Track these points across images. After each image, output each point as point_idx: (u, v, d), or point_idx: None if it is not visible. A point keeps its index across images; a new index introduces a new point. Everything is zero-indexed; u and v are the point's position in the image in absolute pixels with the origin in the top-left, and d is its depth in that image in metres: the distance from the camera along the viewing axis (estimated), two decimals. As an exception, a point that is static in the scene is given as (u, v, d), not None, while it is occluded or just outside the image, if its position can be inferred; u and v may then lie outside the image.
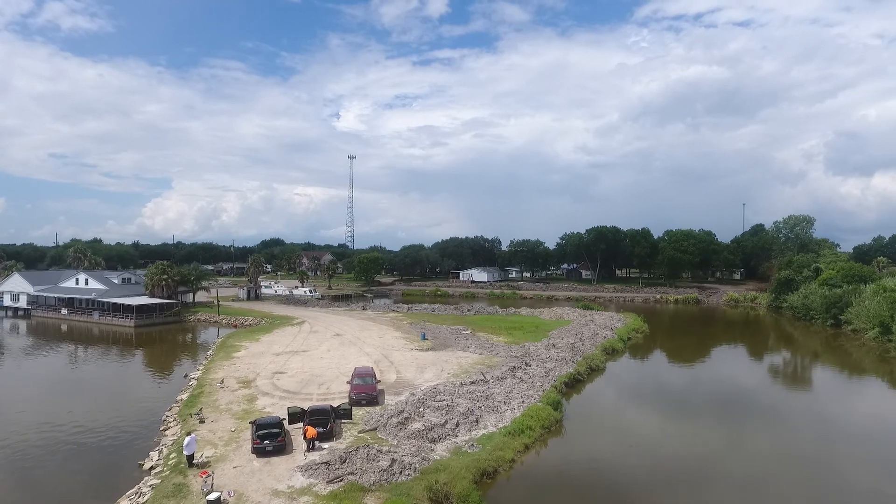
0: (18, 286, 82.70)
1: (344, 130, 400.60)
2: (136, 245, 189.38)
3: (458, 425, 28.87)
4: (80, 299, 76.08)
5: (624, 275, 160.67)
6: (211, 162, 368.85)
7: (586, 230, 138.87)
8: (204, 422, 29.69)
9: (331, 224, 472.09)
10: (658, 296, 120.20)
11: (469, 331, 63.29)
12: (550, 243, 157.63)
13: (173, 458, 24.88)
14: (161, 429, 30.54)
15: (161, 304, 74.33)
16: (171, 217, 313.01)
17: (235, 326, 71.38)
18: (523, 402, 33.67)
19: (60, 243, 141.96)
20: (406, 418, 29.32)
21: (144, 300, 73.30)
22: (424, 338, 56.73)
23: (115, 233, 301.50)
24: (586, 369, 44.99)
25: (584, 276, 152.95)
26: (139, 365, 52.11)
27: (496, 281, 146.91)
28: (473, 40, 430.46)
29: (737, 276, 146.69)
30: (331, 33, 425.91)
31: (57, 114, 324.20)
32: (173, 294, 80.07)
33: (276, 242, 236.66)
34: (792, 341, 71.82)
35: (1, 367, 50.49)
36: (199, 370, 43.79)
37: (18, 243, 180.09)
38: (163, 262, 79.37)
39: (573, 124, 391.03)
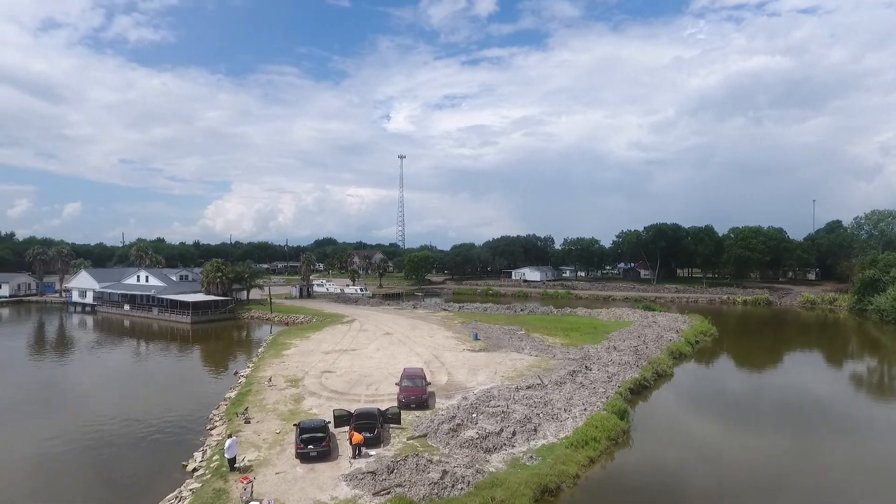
0: (85, 283, 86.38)
1: (394, 132, 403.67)
2: (196, 245, 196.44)
3: (514, 434, 26.53)
4: (141, 296, 78.40)
5: (685, 274, 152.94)
6: (267, 165, 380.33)
7: (644, 227, 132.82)
8: (249, 422, 28.63)
9: (382, 224, 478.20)
10: (724, 297, 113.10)
11: (523, 331, 60.62)
12: (604, 242, 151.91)
13: (216, 461, 23.78)
14: (207, 428, 29.73)
15: (216, 302, 75.55)
16: (230, 218, 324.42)
17: (287, 324, 71.47)
18: (585, 409, 30.93)
19: (127, 243, 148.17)
20: (458, 425, 27.23)
21: (200, 297, 74.66)
22: (476, 338, 54.54)
23: (179, 233, 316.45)
24: (652, 375, 41.52)
25: (642, 276, 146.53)
26: (193, 361, 52.43)
27: (549, 280, 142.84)
28: (522, 38, 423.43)
29: (811, 276, 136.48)
30: (380, 36, 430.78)
31: (126, 122, 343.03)
32: (228, 291, 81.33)
33: (329, 242, 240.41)
34: (879, 347, 65.00)
35: (64, 363, 51.95)
36: (249, 367, 43.29)
37: (92, 243, 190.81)
38: (217, 259, 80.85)
39: (626, 120, 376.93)
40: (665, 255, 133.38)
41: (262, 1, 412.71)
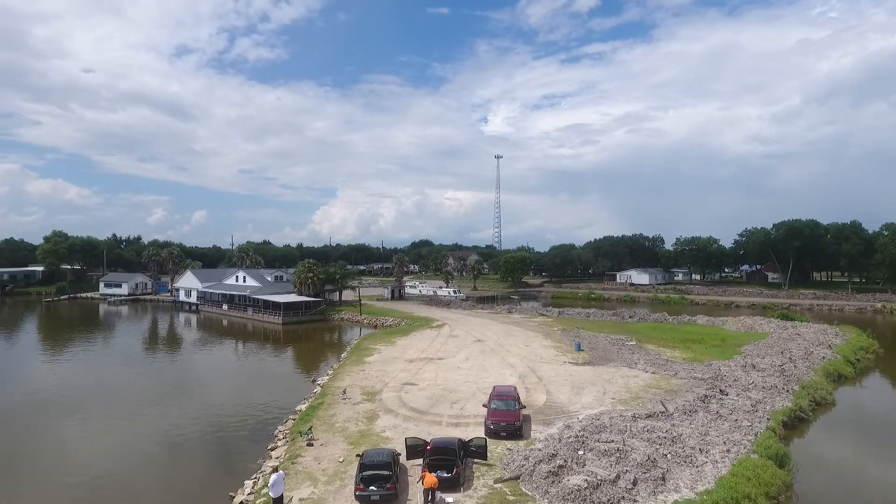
0: (190, 283, 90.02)
1: (492, 134, 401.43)
2: (299, 247, 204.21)
3: (635, 483, 20.16)
4: (238, 296, 79.66)
5: (822, 278, 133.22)
6: (369, 171, 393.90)
7: (774, 225, 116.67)
8: (312, 444, 24.63)
9: (479, 227, 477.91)
10: (878, 304, 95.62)
11: (633, 342, 52.80)
12: (722, 242, 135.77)
13: (264, 496, 19.79)
14: (269, 447, 26.17)
15: (307, 302, 74.67)
16: (335, 223, 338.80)
17: (375, 327, 68.71)
18: (728, 449, 23.70)
19: (235, 245, 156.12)
20: (560, 466, 21.27)
21: (292, 298, 74.17)
22: (580, 348, 47.79)
23: (290, 237, 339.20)
24: (809, 403, 32.73)
25: (770, 280, 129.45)
26: (275, 365, 50.52)
27: (659, 284, 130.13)
28: (626, 31, 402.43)
29: None
30: (478, 40, 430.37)
31: (245, 135, 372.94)
32: (320, 293, 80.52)
33: (425, 244, 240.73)
34: None
35: (155, 361, 52.24)
36: (328, 374, 40.06)
37: (209, 245, 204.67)
38: (309, 260, 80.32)
39: (744, 112, 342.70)
40: (799, 257, 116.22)
41: (365, 14, 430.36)
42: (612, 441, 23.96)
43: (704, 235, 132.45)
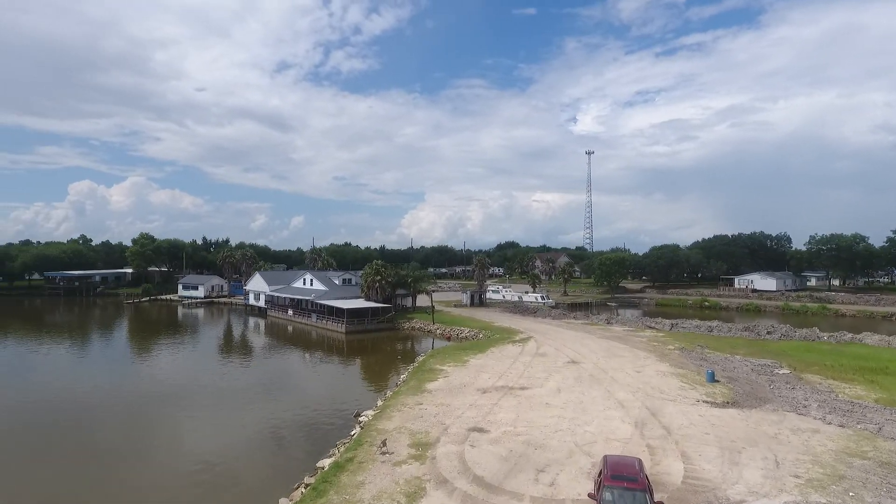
0: (259, 286, 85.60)
1: (581, 134, 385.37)
2: (381, 249, 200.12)
3: None
4: (302, 300, 73.45)
5: None
6: (457, 175, 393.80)
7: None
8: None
9: (568, 229, 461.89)
10: None
11: (786, 369, 39.32)
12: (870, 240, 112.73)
13: None
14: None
15: (374, 309, 66.69)
16: (423, 226, 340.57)
17: (448, 339, 59.32)
18: None
19: (317, 246, 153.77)
20: None
21: (358, 303, 66.64)
22: (713, 378, 35.39)
23: (379, 241, 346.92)
24: None
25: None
26: (323, 387, 42.25)
27: (790, 290, 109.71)
28: (729, 18, 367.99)
29: None
30: (567, 38, 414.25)
31: (339, 143, 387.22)
32: (390, 297, 72.57)
33: (511, 245, 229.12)
34: None
35: (205, 371, 45.95)
36: (376, 406, 31.01)
37: (294, 248, 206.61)
38: (378, 261, 72.41)
39: (868, 99, 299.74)
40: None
41: (452, 20, 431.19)
42: None
43: (847, 233, 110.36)
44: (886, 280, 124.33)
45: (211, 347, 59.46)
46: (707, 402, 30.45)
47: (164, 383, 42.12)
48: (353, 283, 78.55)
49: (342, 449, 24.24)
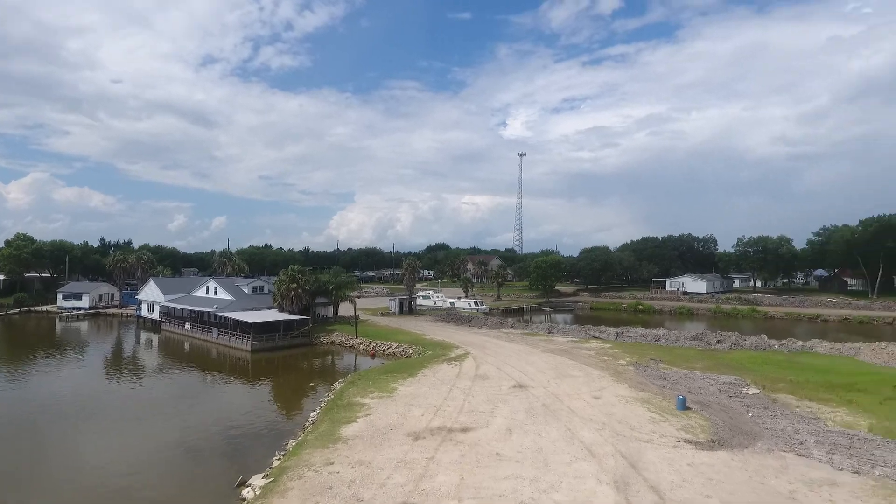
0: (153, 295, 73.51)
1: (510, 138, 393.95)
2: (305, 251, 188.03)
3: None
4: (204, 312, 62.93)
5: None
6: (388, 176, 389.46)
7: (861, 221, 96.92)
8: None
9: (496, 231, 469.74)
10: None
11: (754, 388, 35.09)
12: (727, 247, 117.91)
13: None
14: None
15: (288, 322, 57.60)
16: (352, 228, 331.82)
17: (374, 355, 51.71)
18: None
19: (232, 250, 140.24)
20: None
21: (268, 315, 57.39)
22: (684, 405, 30.10)
23: (307, 243, 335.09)
24: None
25: (849, 287, 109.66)
26: (208, 428, 33.07)
27: (719, 292, 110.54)
28: (650, 32, 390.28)
29: None
30: (499, 44, 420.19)
31: (267, 141, 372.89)
32: (309, 307, 63.73)
33: (441, 247, 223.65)
34: None
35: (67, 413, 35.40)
36: (270, 469, 23.00)
37: (207, 251, 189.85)
38: (294, 266, 63.13)
39: (770, 113, 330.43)
40: (891, 260, 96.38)
41: (387, 21, 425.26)
42: None
43: (722, 241, 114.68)
44: (803, 282, 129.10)
45: (62, 374, 48.00)
46: (689, 441, 24.85)
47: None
48: (266, 290, 68.69)
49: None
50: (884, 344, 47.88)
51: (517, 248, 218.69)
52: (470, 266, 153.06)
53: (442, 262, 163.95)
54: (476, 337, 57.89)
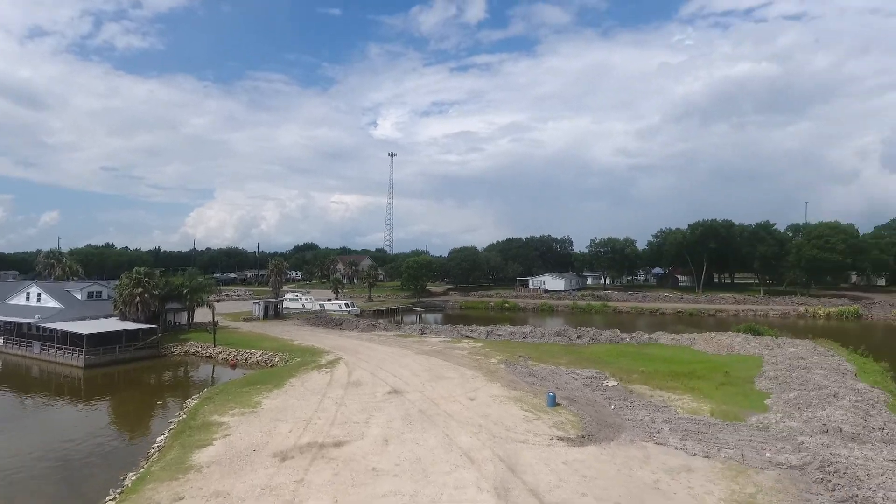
0: (-45, 304, 60.77)
1: (381, 138, 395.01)
2: (155, 251, 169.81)
3: None
4: (22, 323, 53.18)
5: (726, 280, 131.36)
6: (252, 172, 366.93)
7: (689, 225, 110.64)
8: None
9: (366, 231, 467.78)
10: (800, 308, 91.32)
11: (613, 380, 37.56)
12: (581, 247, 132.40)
13: None
14: None
15: (131, 331, 50.64)
16: (212, 226, 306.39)
17: (234, 366, 47.35)
18: None
19: (65, 249, 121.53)
20: None
21: (107, 325, 49.99)
22: (554, 402, 31.09)
23: (159, 242, 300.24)
24: None
25: (681, 283, 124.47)
26: (28, 460, 27.66)
27: (575, 289, 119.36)
28: (512, 44, 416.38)
29: (881, 282, 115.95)
30: (370, 43, 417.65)
31: (110, 129, 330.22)
32: (159, 314, 56.81)
33: (310, 247, 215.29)
34: None
35: None
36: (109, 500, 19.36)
37: (32, 250, 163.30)
38: (139, 269, 55.62)
39: (613, 126, 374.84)
40: (713, 259, 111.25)
41: (251, 8, 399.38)
42: None
43: (576, 242, 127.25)
44: (643, 279, 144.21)
45: None
46: (562, 438, 25.49)
47: None
48: (106, 296, 59.87)
49: None
50: (713, 334, 54.53)
51: (388, 249, 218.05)
52: (340, 266, 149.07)
53: (311, 263, 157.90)
54: (348, 341, 55.70)
